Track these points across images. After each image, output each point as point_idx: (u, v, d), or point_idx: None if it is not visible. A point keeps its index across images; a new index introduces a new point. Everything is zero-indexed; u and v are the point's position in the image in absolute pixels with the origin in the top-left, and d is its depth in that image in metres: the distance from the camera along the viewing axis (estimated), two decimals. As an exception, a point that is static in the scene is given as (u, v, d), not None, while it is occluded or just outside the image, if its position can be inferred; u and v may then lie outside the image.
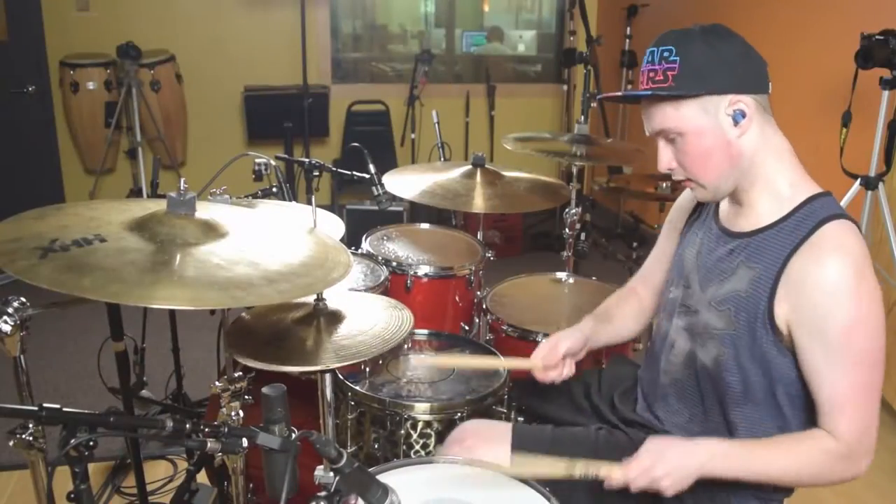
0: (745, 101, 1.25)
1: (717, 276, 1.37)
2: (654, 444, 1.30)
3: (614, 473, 1.26)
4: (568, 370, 1.54)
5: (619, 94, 1.40)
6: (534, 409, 1.72)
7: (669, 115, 1.27)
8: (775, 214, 1.30)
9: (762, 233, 1.31)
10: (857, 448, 1.24)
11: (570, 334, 1.56)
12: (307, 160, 1.94)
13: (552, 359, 1.52)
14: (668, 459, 1.27)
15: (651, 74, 1.28)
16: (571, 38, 5.35)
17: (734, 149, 1.28)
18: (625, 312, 1.70)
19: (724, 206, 1.42)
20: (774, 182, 1.31)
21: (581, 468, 1.27)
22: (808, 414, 1.34)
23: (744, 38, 1.29)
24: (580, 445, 1.46)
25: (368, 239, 2.55)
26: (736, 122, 1.26)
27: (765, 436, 1.35)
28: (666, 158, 1.33)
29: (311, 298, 1.59)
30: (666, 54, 1.26)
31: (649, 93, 1.27)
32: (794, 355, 1.29)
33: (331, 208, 3.85)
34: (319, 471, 1.00)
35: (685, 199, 1.59)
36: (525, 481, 1.30)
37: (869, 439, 1.25)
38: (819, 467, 1.26)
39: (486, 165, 2.40)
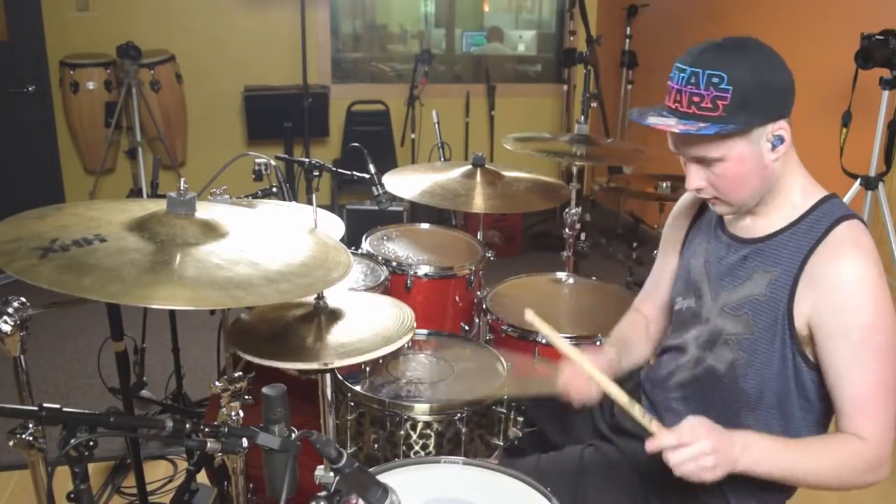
0: (784, 126, 1.24)
1: (730, 282, 1.37)
2: (698, 421, 1.20)
3: (663, 436, 1.19)
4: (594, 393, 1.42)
5: (678, 131, 1.22)
6: (530, 416, 1.72)
7: (714, 145, 1.23)
8: (787, 219, 1.31)
9: (776, 237, 1.32)
10: (882, 447, 1.23)
11: (594, 357, 1.41)
12: (307, 160, 1.94)
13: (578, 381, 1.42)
14: (715, 439, 1.19)
15: (695, 99, 1.21)
16: (571, 38, 5.35)
17: (768, 170, 1.27)
18: (640, 336, 1.63)
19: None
20: (790, 191, 1.31)
21: (639, 412, 1.24)
22: (819, 423, 1.34)
23: (778, 54, 1.24)
24: (565, 467, 1.46)
25: (368, 239, 2.55)
26: (774, 147, 1.24)
27: None
28: (697, 180, 1.30)
29: (311, 297, 1.59)
30: (716, 80, 1.19)
31: (711, 132, 1.19)
32: (813, 360, 1.29)
33: (331, 208, 3.85)
34: (319, 471, 1.00)
35: (679, 212, 1.58)
36: (526, 481, 1.29)
37: (890, 437, 1.24)
38: (850, 468, 1.24)
39: (486, 165, 2.40)
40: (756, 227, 1.35)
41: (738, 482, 1.39)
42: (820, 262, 1.25)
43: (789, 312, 1.28)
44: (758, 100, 1.20)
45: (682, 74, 1.23)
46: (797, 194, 1.31)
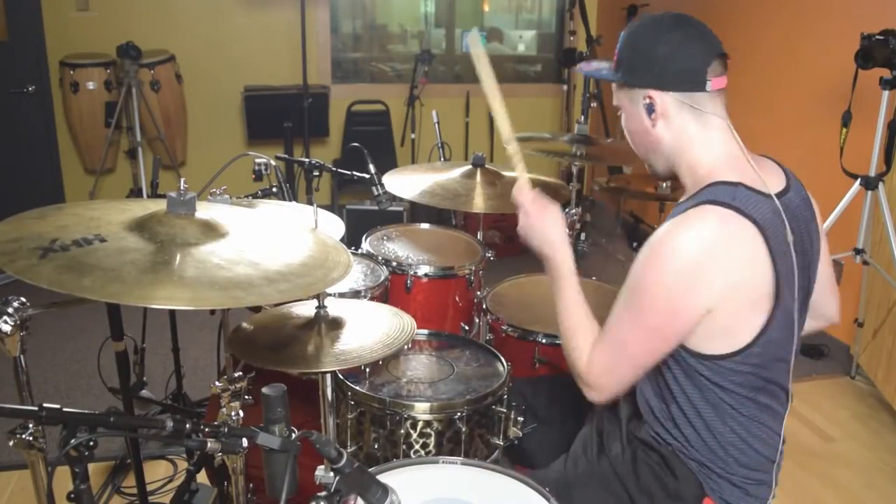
0: (659, 98, 1.33)
1: None
2: (553, 216, 1.52)
3: (522, 193, 1.58)
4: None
5: (580, 70, 1.57)
6: (536, 411, 1.72)
7: (614, 94, 1.44)
8: (688, 195, 1.36)
9: (672, 214, 1.35)
10: (591, 377, 1.36)
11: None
12: (307, 160, 1.94)
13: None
14: (548, 232, 1.50)
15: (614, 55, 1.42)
16: (571, 38, 5.35)
17: (652, 136, 1.38)
18: None
19: None
20: (695, 169, 1.36)
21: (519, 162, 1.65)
22: (717, 406, 1.34)
23: (691, 34, 1.31)
24: (598, 475, 1.46)
25: (368, 239, 2.55)
26: (649, 114, 1.36)
27: (696, 391, 1.35)
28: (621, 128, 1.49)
29: (312, 306, 1.59)
30: (620, 41, 1.39)
31: (583, 72, 1.51)
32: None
33: (331, 208, 3.85)
34: (319, 471, 1.01)
35: None
36: (524, 482, 1.29)
37: (603, 380, 1.35)
38: (572, 351, 1.40)
39: (486, 165, 2.40)
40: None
41: (724, 490, 1.38)
42: None
43: None
44: (632, 64, 1.37)
45: None
46: (703, 172, 1.34)
